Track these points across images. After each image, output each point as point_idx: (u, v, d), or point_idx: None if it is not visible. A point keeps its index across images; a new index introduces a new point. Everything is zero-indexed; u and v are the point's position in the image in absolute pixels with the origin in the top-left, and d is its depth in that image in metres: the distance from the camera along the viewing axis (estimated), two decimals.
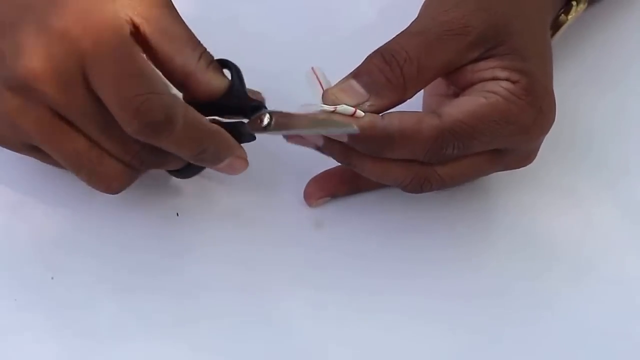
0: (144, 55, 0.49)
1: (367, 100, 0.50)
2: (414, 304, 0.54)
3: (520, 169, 0.55)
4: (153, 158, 0.51)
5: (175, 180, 0.55)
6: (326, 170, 0.57)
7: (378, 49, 0.51)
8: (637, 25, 0.65)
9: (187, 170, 0.53)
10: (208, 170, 0.54)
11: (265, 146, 0.55)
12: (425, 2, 0.54)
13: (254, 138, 0.53)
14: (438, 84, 0.54)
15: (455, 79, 0.52)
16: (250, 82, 0.53)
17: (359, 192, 0.57)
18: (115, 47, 0.47)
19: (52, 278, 0.53)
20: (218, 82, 0.52)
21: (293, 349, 0.53)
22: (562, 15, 0.58)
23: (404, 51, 0.50)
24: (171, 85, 0.51)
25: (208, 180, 0.57)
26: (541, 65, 0.52)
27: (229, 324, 0.53)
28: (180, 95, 0.51)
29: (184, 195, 0.57)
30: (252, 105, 0.53)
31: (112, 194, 0.51)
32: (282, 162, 0.57)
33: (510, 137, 0.51)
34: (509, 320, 0.54)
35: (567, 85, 0.57)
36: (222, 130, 0.51)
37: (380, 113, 0.50)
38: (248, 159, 0.53)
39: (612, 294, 0.55)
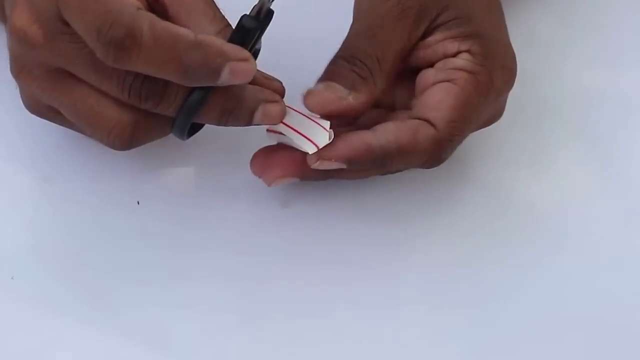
0: None
1: (349, 95, 0.50)
2: (386, 280, 0.54)
3: (492, 133, 0.55)
4: (149, 89, 0.47)
5: (135, 168, 0.54)
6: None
7: (336, 54, 0.51)
8: None
9: (180, 120, 0.48)
10: (167, 155, 0.53)
11: (224, 128, 0.54)
12: (356, 2, 0.54)
13: (262, 25, 0.48)
14: None
15: (411, 61, 0.52)
16: None
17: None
18: None
19: (12, 278, 0.52)
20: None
21: (262, 330, 0.52)
22: None
23: (359, 48, 0.51)
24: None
25: (168, 166, 0.56)
26: (489, 19, 0.53)
27: (197, 309, 0.52)
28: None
29: (144, 182, 0.55)
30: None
31: (122, 147, 0.49)
32: (243, 142, 0.55)
33: (489, 105, 0.52)
34: (489, 288, 0.54)
35: (520, 39, 0.56)
36: (208, 38, 0.46)
37: (362, 109, 0.50)
38: (209, 139, 0.52)
39: (592, 254, 0.56)
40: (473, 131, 0.53)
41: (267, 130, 0.52)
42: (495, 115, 0.54)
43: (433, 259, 0.55)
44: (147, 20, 0.45)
